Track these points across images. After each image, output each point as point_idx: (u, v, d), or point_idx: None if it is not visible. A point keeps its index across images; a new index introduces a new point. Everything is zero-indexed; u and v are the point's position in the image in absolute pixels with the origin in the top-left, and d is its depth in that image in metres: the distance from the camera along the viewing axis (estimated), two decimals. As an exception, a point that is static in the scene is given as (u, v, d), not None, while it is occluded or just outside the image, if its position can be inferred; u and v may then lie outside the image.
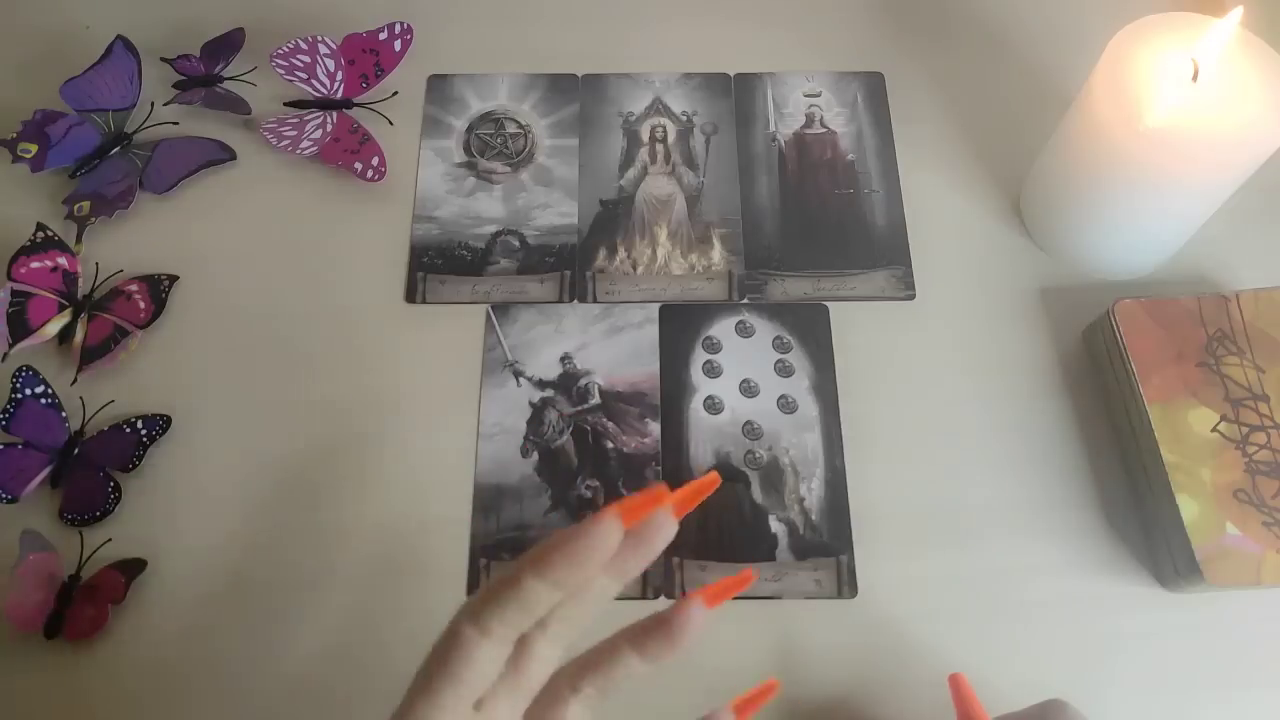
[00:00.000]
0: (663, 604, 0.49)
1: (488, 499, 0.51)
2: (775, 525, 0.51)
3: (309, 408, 0.53)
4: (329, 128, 0.60)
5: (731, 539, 0.51)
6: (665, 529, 0.31)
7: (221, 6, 0.64)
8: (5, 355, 0.53)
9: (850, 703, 0.47)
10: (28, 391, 0.52)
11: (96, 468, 0.51)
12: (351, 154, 0.59)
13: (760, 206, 0.59)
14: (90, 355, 0.54)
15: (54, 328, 0.54)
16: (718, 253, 0.58)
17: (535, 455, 0.53)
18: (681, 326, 0.56)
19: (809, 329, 0.56)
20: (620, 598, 0.49)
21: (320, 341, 0.55)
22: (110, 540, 0.50)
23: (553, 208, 0.59)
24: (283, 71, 0.60)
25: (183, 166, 0.59)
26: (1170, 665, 0.48)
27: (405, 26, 0.63)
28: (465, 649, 0.30)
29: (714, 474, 0.33)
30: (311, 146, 0.59)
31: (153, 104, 0.61)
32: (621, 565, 0.31)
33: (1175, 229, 0.54)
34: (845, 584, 0.50)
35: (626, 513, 0.29)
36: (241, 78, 0.62)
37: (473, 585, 0.49)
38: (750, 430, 0.53)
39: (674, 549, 0.50)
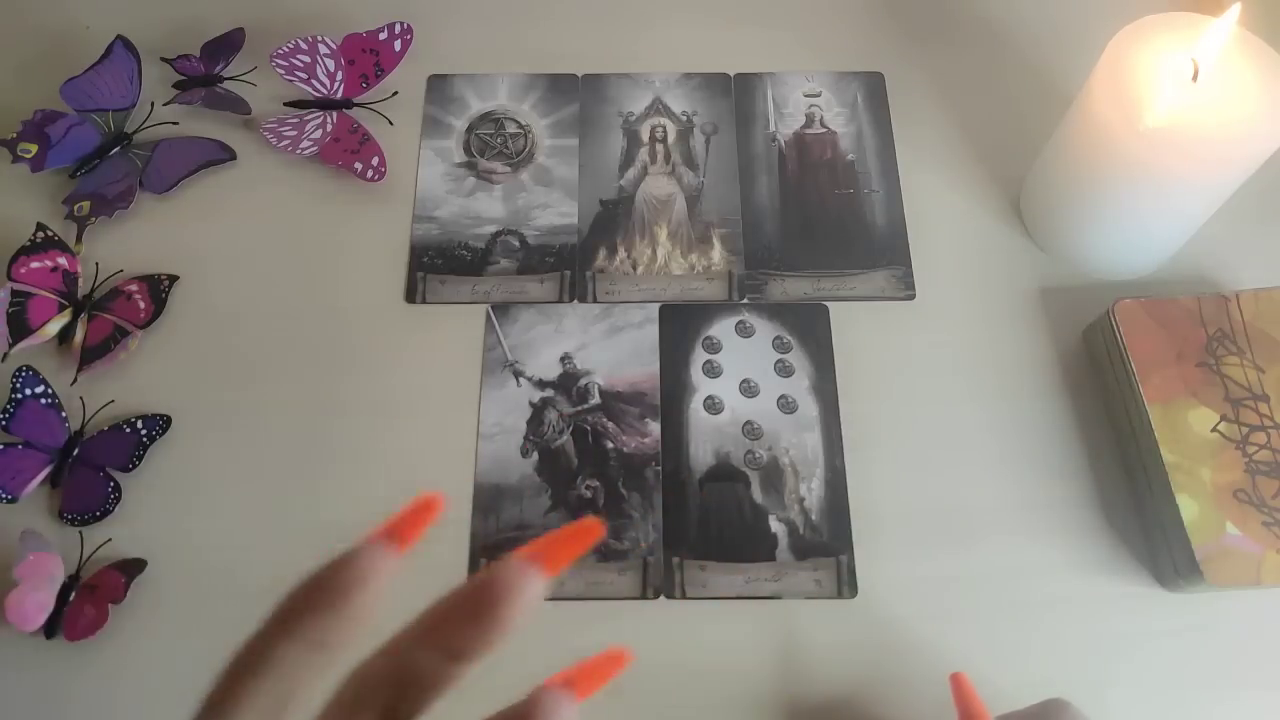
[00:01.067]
0: (662, 604, 0.49)
1: (488, 499, 0.51)
2: (775, 525, 0.51)
3: (309, 408, 0.53)
4: (329, 128, 0.60)
5: (731, 539, 0.51)
6: (524, 591, 0.24)
7: (221, 6, 0.64)
8: (5, 355, 0.53)
9: (850, 703, 0.47)
10: (28, 391, 0.52)
11: (96, 468, 0.51)
12: (351, 154, 0.59)
13: (760, 206, 0.59)
14: (90, 355, 0.54)
15: (54, 328, 0.54)
16: (718, 253, 0.58)
17: (535, 455, 0.53)
18: (681, 326, 0.56)
19: (809, 329, 0.56)
20: (619, 597, 0.50)
21: (320, 341, 0.55)
22: (110, 540, 0.50)
23: (553, 208, 0.59)
24: (283, 71, 0.60)
25: (183, 166, 0.59)
26: (1170, 665, 0.48)
27: (405, 26, 0.63)
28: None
29: (596, 521, 0.24)
30: (311, 146, 0.59)
31: (153, 104, 0.61)
32: (457, 645, 0.24)
33: (1175, 229, 0.54)
34: (845, 584, 0.50)
35: (390, 533, 0.24)
36: (241, 78, 0.62)
37: (473, 585, 0.49)
38: (750, 430, 0.53)
39: (674, 549, 0.50)
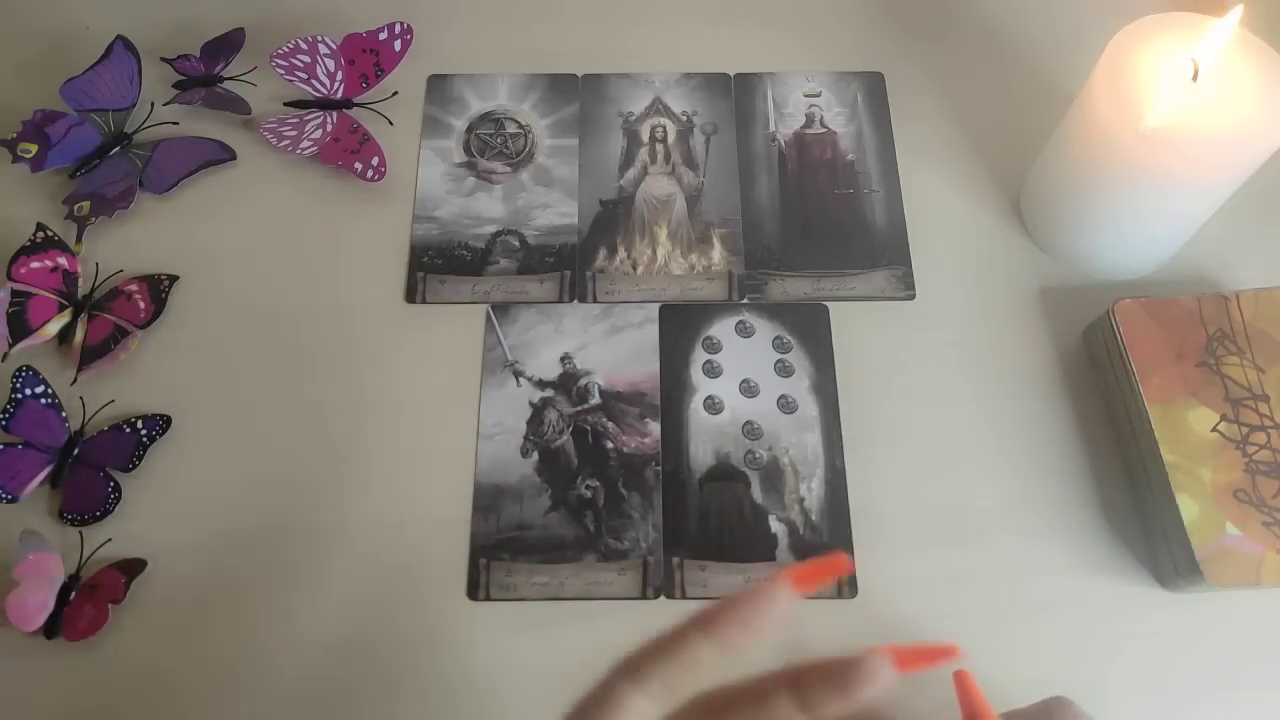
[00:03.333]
0: (662, 604, 0.49)
1: (488, 499, 0.51)
2: (775, 525, 0.51)
3: (309, 408, 0.53)
4: (329, 128, 0.60)
5: (732, 539, 0.51)
6: (776, 605, 0.29)
7: (221, 6, 0.64)
8: (5, 355, 0.53)
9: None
10: (28, 391, 0.52)
11: (96, 467, 0.51)
12: (351, 154, 0.59)
13: (760, 206, 0.59)
14: (90, 355, 0.54)
15: (54, 328, 0.54)
16: (718, 253, 0.58)
17: (535, 455, 0.53)
18: (681, 326, 0.56)
19: (809, 329, 0.56)
20: (619, 597, 0.50)
21: (320, 341, 0.55)
22: (110, 540, 0.50)
23: (553, 208, 0.59)
24: (283, 71, 0.60)
25: (183, 166, 0.59)
26: (1170, 665, 0.48)
27: (405, 26, 0.63)
28: (613, 698, 0.28)
29: (842, 558, 0.30)
30: (311, 146, 0.59)
31: (153, 104, 0.61)
32: (725, 636, 0.28)
33: (1175, 229, 0.54)
34: (845, 584, 0.50)
35: (798, 579, 0.29)
36: (241, 78, 0.62)
37: (473, 585, 0.49)
38: (750, 430, 0.53)
39: (674, 549, 0.50)
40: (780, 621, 0.28)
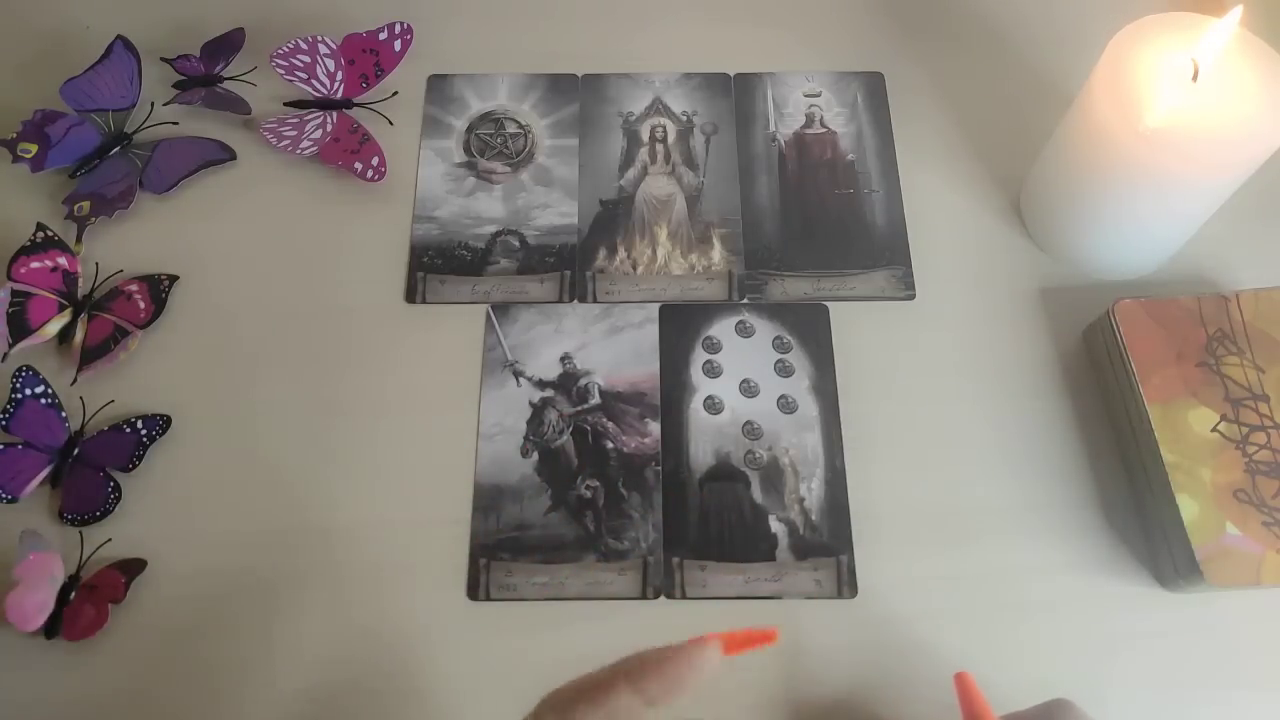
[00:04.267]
0: (662, 604, 0.49)
1: (488, 499, 0.51)
2: (775, 525, 0.51)
3: (309, 408, 0.53)
4: (329, 128, 0.60)
5: (731, 539, 0.51)
6: (706, 666, 0.30)
7: (221, 6, 0.64)
8: (5, 355, 0.53)
9: (851, 703, 0.47)
10: (28, 391, 0.52)
11: (96, 468, 0.51)
12: (351, 154, 0.59)
13: (760, 206, 0.59)
14: (90, 355, 0.54)
15: (54, 328, 0.54)
16: (718, 253, 0.58)
17: (535, 455, 0.53)
18: (681, 326, 0.56)
19: (809, 329, 0.56)
20: (619, 597, 0.50)
21: (320, 341, 0.55)
22: (110, 540, 0.50)
23: (553, 208, 0.59)
24: (283, 71, 0.60)
25: (183, 166, 0.59)
26: (1170, 665, 0.48)
27: (405, 26, 0.63)
28: None
29: (774, 630, 0.32)
30: (311, 146, 0.59)
31: (153, 104, 0.61)
32: (652, 692, 0.29)
33: (1175, 229, 0.54)
34: (845, 584, 0.50)
35: (729, 644, 0.30)
36: (241, 78, 0.62)
37: (473, 585, 0.49)
38: (750, 430, 0.53)
39: (674, 549, 0.50)
40: (707, 680, 0.29)
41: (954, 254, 0.58)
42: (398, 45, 0.62)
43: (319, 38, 0.61)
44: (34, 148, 0.58)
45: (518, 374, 0.54)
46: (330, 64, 0.61)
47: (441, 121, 0.62)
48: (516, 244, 0.58)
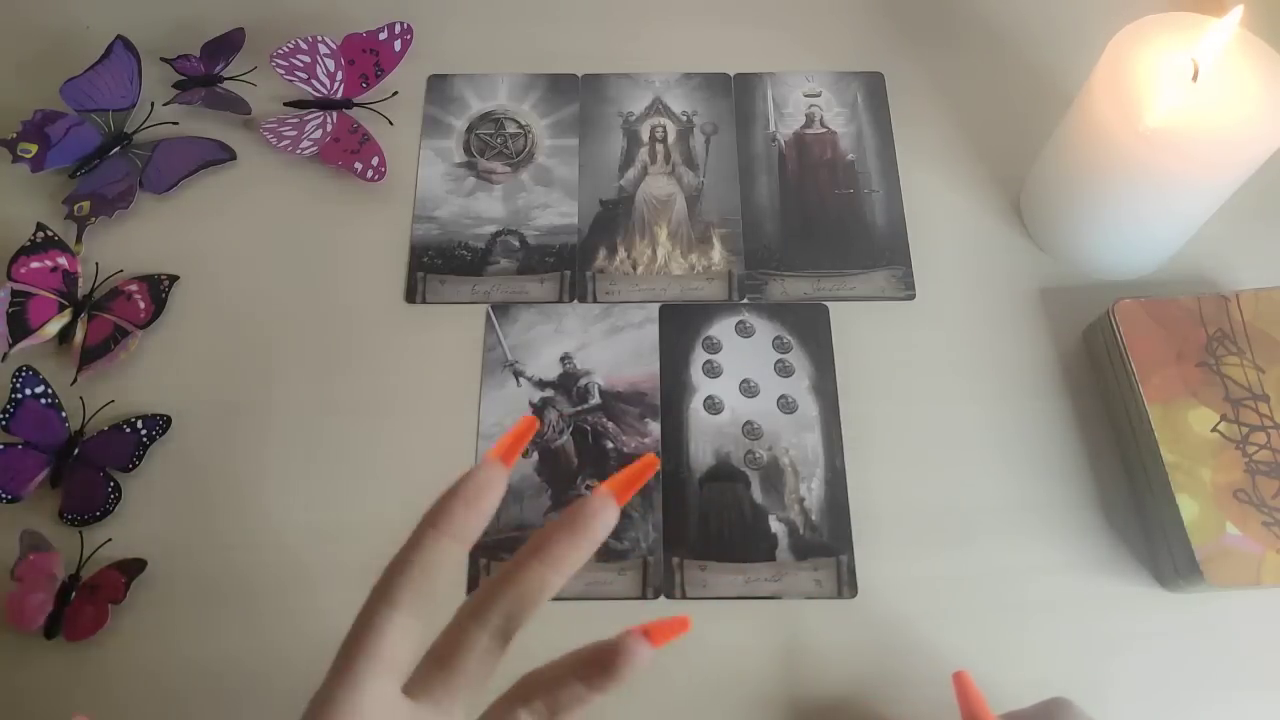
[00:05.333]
0: (662, 604, 0.49)
1: (488, 499, 0.51)
2: (775, 525, 0.51)
3: (309, 408, 0.53)
4: (329, 128, 0.60)
5: (731, 539, 0.51)
6: (604, 516, 0.30)
7: (221, 6, 0.64)
8: (5, 355, 0.53)
9: (851, 703, 0.47)
10: (28, 391, 0.52)
11: (96, 468, 0.51)
12: (351, 154, 0.59)
13: (760, 206, 0.59)
14: (90, 355, 0.54)
15: (54, 328, 0.54)
16: (718, 253, 0.58)
17: (535, 455, 0.53)
18: (681, 326, 0.56)
19: (809, 329, 0.56)
20: (619, 597, 0.50)
21: (320, 341, 0.55)
22: (110, 540, 0.50)
23: (553, 208, 0.59)
24: (283, 71, 0.60)
25: (183, 166, 0.59)
26: (1170, 665, 0.48)
27: (405, 26, 0.63)
28: (373, 622, 0.29)
29: (651, 456, 0.31)
30: (311, 146, 0.59)
31: (153, 104, 0.61)
32: (558, 556, 0.30)
33: (1175, 229, 0.54)
34: (845, 584, 0.50)
35: (503, 453, 0.31)
36: (241, 78, 0.62)
37: (472, 585, 0.49)
38: (750, 430, 0.53)
39: (674, 549, 0.50)
40: (606, 532, 0.30)
41: (954, 254, 0.58)
42: (398, 45, 0.62)
43: (319, 38, 0.61)
44: (34, 148, 0.58)
45: (518, 374, 0.54)
46: (330, 64, 0.61)
47: (441, 121, 0.62)
48: (516, 244, 0.58)
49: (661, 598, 0.49)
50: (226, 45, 0.62)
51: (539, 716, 0.30)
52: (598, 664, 0.30)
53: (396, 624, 0.29)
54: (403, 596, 0.29)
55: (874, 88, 0.63)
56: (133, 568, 0.49)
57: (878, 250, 0.58)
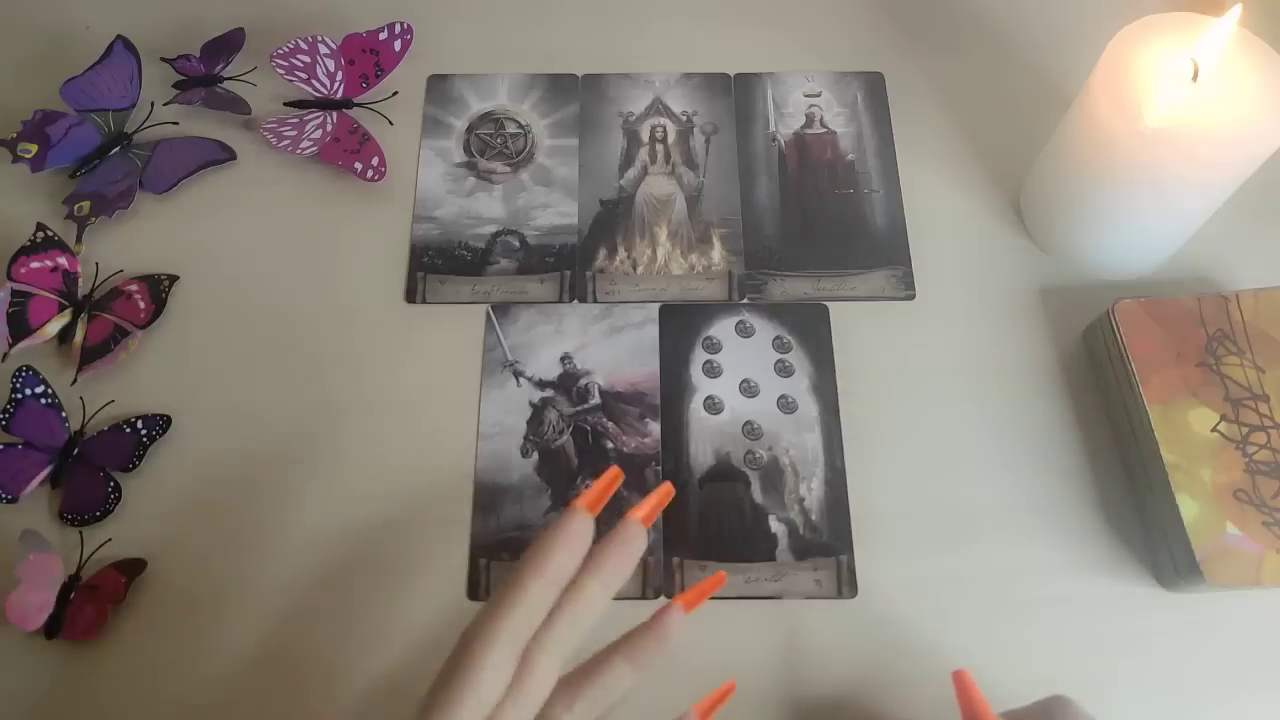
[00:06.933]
0: (662, 603, 0.49)
1: (488, 499, 0.51)
2: (775, 525, 0.51)
3: (309, 408, 0.53)
4: (329, 128, 0.60)
5: (731, 539, 0.51)
6: (638, 539, 0.35)
7: (221, 6, 0.64)
8: (5, 355, 0.53)
9: (851, 702, 0.47)
10: (28, 391, 0.52)
11: (96, 468, 0.51)
12: (351, 154, 0.59)
13: (760, 206, 0.59)
14: (90, 355, 0.54)
15: (54, 328, 0.54)
16: (718, 253, 0.58)
17: (535, 455, 0.53)
18: (681, 326, 0.56)
19: (809, 329, 0.56)
20: (619, 597, 0.50)
21: (320, 341, 0.55)
22: (110, 540, 0.50)
23: (553, 208, 0.59)
24: (283, 71, 0.60)
25: (183, 166, 0.59)
26: (1170, 665, 0.48)
27: (405, 26, 0.63)
28: (477, 659, 0.31)
29: (668, 485, 0.37)
30: (311, 146, 0.59)
31: (153, 104, 0.61)
32: (608, 573, 0.34)
33: (1175, 229, 0.54)
34: (845, 584, 0.50)
35: (590, 504, 0.35)
36: (241, 78, 0.62)
37: (473, 585, 0.49)
38: (750, 430, 0.53)
39: (674, 549, 0.50)
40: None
41: (954, 254, 0.58)
42: (398, 45, 0.62)
43: (319, 37, 0.61)
44: (34, 148, 0.58)
45: (518, 374, 0.54)
46: (330, 64, 0.61)
47: (441, 121, 0.62)
48: (516, 244, 0.58)
49: (661, 598, 0.49)
50: (226, 45, 0.62)
51: (581, 708, 0.33)
52: (639, 640, 0.34)
53: (494, 661, 0.32)
54: (501, 635, 0.32)
55: (874, 88, 0.63)
56: (133, 568, 0.49)
57: (878, 250, 0.58)
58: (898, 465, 0.52)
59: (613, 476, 0.36)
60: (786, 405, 0.54)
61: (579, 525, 0.34)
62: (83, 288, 0.56)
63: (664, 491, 0.36)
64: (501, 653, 0.31)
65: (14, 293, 0.54)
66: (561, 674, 0.34)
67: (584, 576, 0.34)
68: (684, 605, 0.35)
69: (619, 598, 0.49)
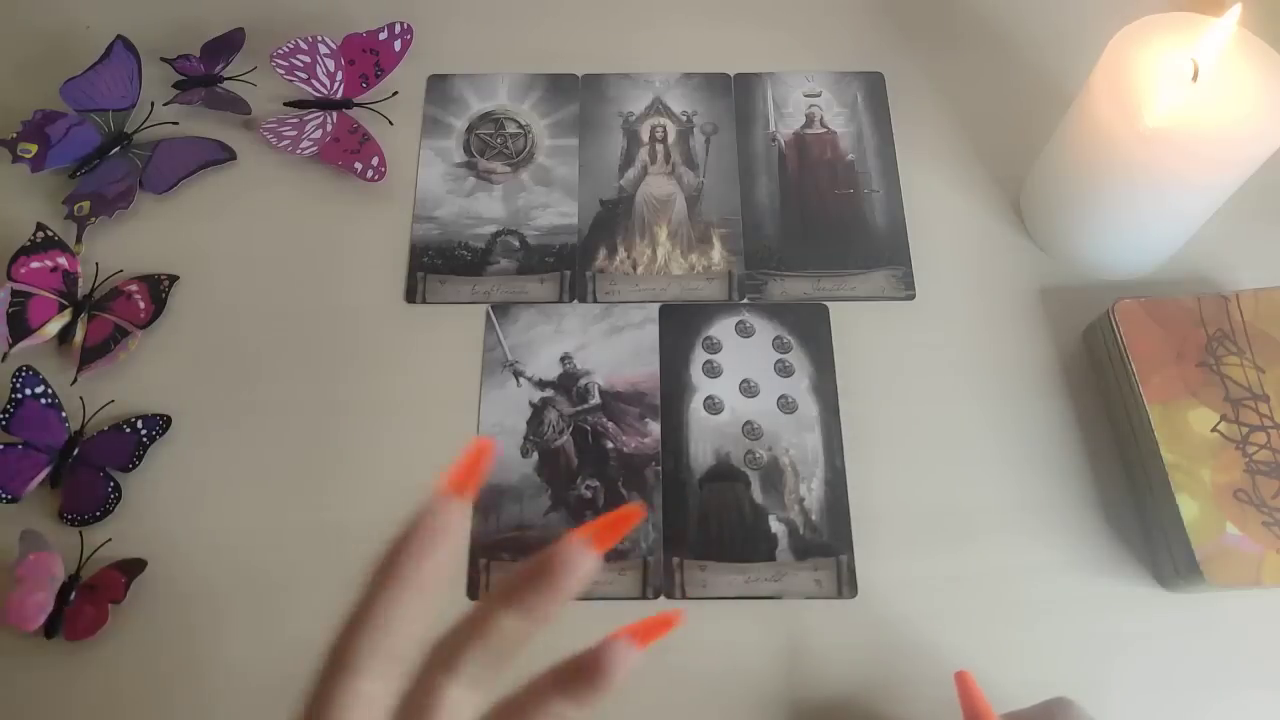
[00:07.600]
0: (662, 604, 0.49)
1: (488, 499, 0.51)
2: (775, 525, 0.51)
3: (309, 408, 0.53)
4: (329, 128, 0.60)
5: (731, 539, 0.51)
6: (580, 565, 0.28)
7: (221, 6, 0.64)
8: (5, 355, 0.53)
9: (851, 702, 0.47)
10: (28, 391, 0.52)
11: (96, 468, 0.51)
12: (351, 154, 0.59)
13: (760, 206, 0.59)
14: (90, 355, 0.54)
15: (54, 328, 0.54)
16: (718, 253, 0.58)
17: (535, 455, 0.53)
18: (681, 326, 0.56)
19: (809, 329, 0.56)
20: (619, 597, 0.50)
21: (320, 341, 0.55)
22: (110, 540, 0.50)
23: (553, 208, 0.59)
24: (283, 71, 0.60)
25: (183, 166, 0.59)
26: (1170, 665, 0.48)
27: (405, 26, 0.63)
28: (329, 691, 0.27)
29: (635, 507, 0.30)
30: (311, 146, 0.59)
31: (153, 104, 0.61)
32: (530, 603, 0.28)
33: (1175, 229, 0.54)
34: (845, 584, 0.50)
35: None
36: (241, 78, 0.62)
37: (472, 585, 0.49)
38: (750, 430, 0.53)
39: (674, 549, 0.50)
40: (585, 582, 0.28)
41: (954, 254, 0.58)
42: (398, 45, 0.62)
43: (319, 38, 0.61)
44: (34, 148, 0.58)
45: (518, 374, 0.54)
46: (330, 64, 0.61)
47: (441, 121, 0.62)
48: (516, 244, 0.58)
49: (661, 598, 0.49)
50: (226, 45, 0.62)
51: None
52: (581, 675, 0.28)
53: (351, 687, 0.27)
54: (361, 660, 0.28)
55: (874, 88, 0.63)
56: (133, 568, 0.49)
57: (878, 250, 0.58)
58: (897, 465, 0.52)
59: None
60: (786, 405, 0.54)
61: (438, 517, 0.30)
62: (83, 288, 0.56)
63: (628, 512, 0.29)
64: (364, 678, 0.27)
65: (14, 293, 0.54)
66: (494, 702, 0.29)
67: (499, 605, 0.28)
68: (638, 641, 0.29)
69: (618, 598, 0.50)
